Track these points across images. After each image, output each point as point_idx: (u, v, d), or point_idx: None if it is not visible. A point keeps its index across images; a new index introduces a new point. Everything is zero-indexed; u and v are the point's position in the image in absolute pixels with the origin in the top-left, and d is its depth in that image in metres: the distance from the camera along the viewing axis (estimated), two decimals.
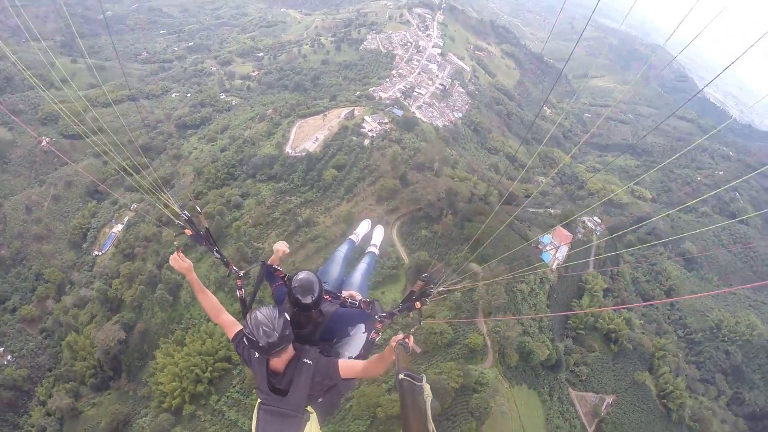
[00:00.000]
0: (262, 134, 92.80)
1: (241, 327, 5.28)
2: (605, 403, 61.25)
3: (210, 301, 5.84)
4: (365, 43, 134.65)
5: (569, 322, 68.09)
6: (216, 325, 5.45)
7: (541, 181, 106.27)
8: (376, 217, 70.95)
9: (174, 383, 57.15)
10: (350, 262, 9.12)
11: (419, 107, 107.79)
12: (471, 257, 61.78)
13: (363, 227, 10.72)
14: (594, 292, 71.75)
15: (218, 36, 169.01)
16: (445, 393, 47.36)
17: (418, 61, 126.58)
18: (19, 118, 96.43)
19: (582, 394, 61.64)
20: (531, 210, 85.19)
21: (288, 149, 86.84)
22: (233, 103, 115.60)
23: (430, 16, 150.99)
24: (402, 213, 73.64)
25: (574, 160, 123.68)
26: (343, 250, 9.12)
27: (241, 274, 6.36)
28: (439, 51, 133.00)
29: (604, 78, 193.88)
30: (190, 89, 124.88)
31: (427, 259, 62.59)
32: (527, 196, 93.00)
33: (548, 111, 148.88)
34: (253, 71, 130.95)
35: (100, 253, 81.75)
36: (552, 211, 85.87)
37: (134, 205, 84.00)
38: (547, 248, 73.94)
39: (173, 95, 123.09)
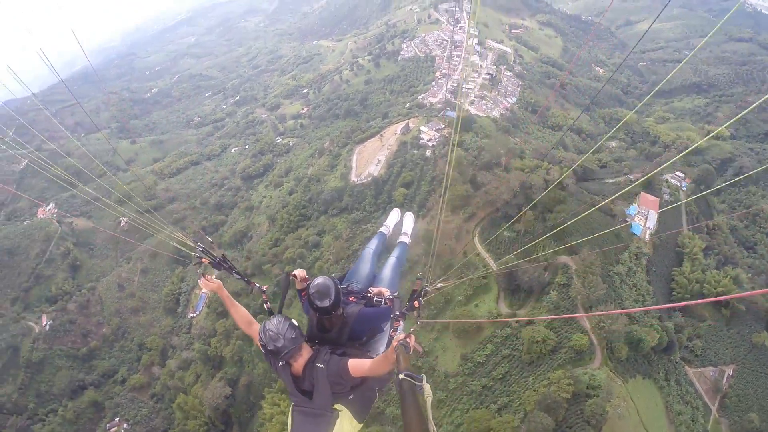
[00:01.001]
0: (325, 168, 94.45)
1: None
2: (726, 375, 56.60)
3: (240, 314, 6.44)
4: (402, 52, 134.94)
5: (673, 294, 63.10)
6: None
7: (612, 146, 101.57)
8: (455, 228, 70.21)
9: None
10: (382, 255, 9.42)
11: (472, 103, 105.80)
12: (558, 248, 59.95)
13: (393, 217, 10.81)
14: (693, 255, 66.57)
15: (261, 84, 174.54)
16: (558, 406, 45.07)
17: (459, 56, 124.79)
18: (94, 205, 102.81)
19: (699, 370, 57.10)
20: (610, 181, 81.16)
21: (353, 178, 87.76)
22: (291, 144, 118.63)
23: (457, 9, 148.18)
24: (480, 218, 71.62)
25: (641, 114, 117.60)
26: (372, 247, 9.26)
27: (264, 289, 6.97)
28: (477, 40, 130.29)
29: (648, 20, 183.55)
30: (247, 141, 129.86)
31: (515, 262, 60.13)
32: (602, 167, 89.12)
33: (600, 71, 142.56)
34: (302, 108, 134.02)
35: (195, 315, 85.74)
36: (631, 177, 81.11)
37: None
38: (636, 219, 70.13)
39: (232, 150, 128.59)
